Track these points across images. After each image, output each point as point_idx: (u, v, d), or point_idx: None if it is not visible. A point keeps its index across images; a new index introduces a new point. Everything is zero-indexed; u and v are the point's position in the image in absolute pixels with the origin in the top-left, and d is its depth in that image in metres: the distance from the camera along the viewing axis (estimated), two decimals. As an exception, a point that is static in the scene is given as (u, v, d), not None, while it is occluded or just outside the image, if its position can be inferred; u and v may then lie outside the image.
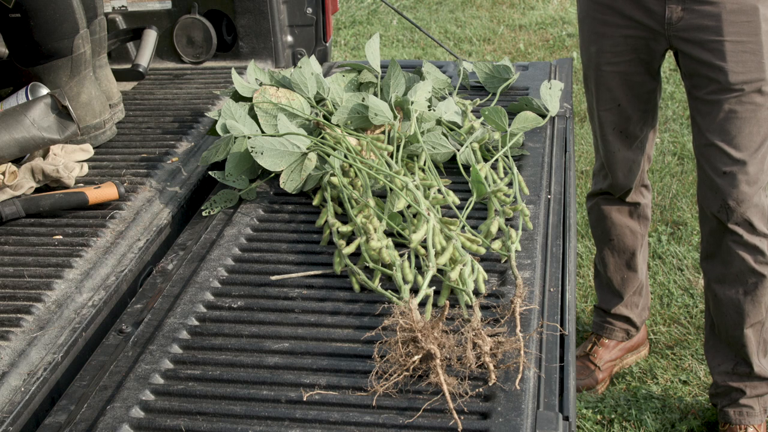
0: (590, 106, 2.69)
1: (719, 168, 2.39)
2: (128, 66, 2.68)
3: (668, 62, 4.80)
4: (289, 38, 2.83)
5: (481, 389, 1.35)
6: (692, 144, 2.52)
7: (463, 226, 1.76)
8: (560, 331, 1.50)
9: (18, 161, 2.05)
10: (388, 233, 1.77)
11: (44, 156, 2.10)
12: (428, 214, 1.65)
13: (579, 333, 3.18)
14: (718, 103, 2.35)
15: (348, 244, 1.71)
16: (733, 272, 2.49)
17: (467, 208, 1.81)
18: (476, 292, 1.58)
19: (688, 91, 2.47)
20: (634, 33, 2.45)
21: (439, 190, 1.87)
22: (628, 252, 2.88)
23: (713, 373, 2.66)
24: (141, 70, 2.65)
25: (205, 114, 2.41)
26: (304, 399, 1.35)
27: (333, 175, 1.91)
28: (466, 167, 2.02)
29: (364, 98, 2.04)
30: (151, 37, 2.71)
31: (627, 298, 2.94)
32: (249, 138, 1.94)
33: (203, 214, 1.94)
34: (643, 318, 3.02)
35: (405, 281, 1.57)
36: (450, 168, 2.05)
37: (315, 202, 1.92)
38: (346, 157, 1.90)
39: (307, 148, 1.93)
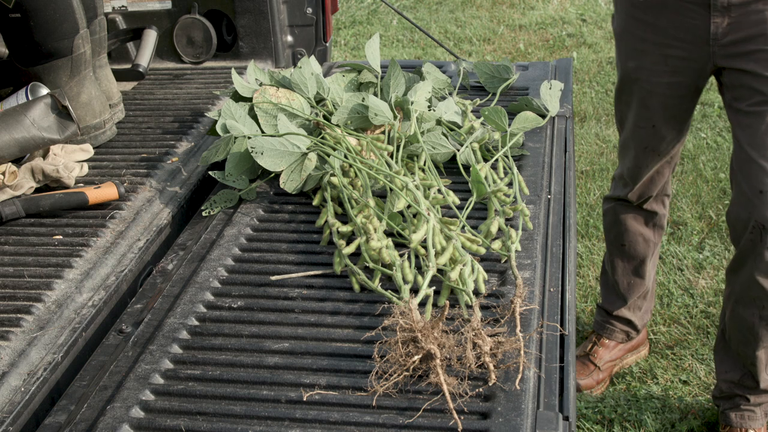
0: (623, 116, 2.61)
1: (756, 187, 2.27)
2: (128, 66, 2.68)
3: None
4: (289, 38, 2.83)
5: (481, 389, 1.35)
6: (731, 158, 2.40)
7: (463, 226, 1.76)
8: (560, 331, 1.50)
9: (18, 161, 2.05)
10: (388, 233, 1.77)
11: (44, 156, 2.10)
12: (428, 214, 1.64)
13: (579, 333, 3.18)
14: (760, 115, 2.24)
15: (348, 244, 1.71)
16: (750, 296, 2.41)
17: (467, 208, 1.81)
18: (476, 292, 1.58)
19: (728, 105, 2.36)
20: (675, 53, 2.36)
21: (439, 190, 1.87)
22: (638, 259, 2.84)
23: (719, 377, 2.64)
24: (141, 70, 2.65)
25: (205, 114, 2.41)
26: (304, 399, 1.35)
27: (333, 175, 1.91)
28: (466, 167, 2.02)
29: (364, 98, 2.04)
30: (151, 37, 2.71)
31: (631, 301, 2.92)
32: (249, 138, 1.93)
33: (203, 214, 1.94)
34: (645, 321, 3.01)
35: (405, 281, 1.57)
36: (450, 168, 2.05)
37: (315, 202, 1.92)
38: (346, 157, 1.90)
39: (307, 148, 1.93)
